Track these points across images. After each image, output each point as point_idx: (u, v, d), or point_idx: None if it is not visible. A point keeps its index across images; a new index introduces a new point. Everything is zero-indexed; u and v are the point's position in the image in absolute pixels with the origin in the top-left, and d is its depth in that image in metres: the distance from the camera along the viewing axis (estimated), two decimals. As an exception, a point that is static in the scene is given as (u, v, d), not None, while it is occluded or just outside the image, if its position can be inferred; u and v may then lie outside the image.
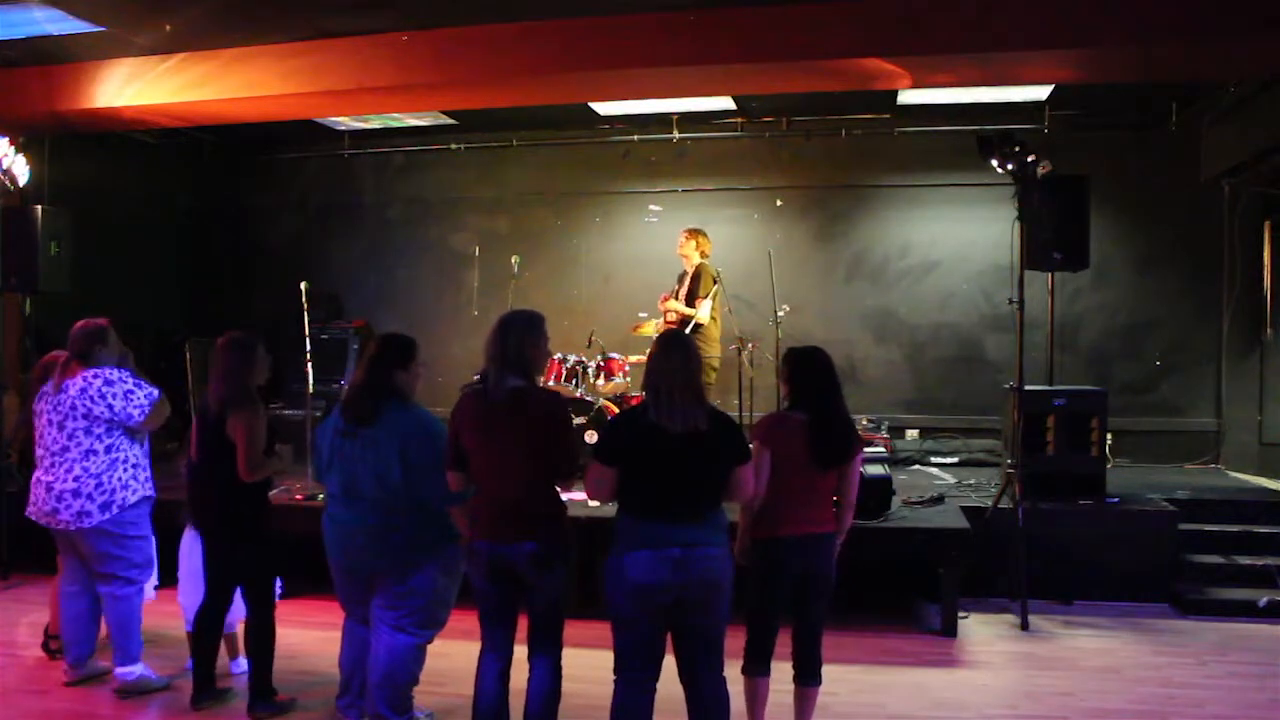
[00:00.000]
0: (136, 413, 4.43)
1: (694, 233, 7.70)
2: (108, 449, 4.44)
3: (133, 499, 4.49)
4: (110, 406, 4.41)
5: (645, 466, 3.36)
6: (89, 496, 4.40)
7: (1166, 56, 5.93)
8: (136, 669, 4.51)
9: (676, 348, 3.45)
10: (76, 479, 4.40)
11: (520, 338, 3.59)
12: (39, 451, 4.52)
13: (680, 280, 7.76)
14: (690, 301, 7.52)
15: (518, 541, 3.52)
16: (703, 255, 7.65)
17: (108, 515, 4.41)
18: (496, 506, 3.56)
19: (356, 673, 4.03)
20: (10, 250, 7.35)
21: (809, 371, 3.84)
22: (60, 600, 4.69)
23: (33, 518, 4.54)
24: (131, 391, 4.45)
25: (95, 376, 4.44)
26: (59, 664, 4.82)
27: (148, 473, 4.61)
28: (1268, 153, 7.11)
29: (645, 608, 3.36)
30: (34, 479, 4.54)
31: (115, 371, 4.49)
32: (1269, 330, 7.85)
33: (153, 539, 4.64)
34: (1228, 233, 8.18)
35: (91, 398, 4.40)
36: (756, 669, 3.80)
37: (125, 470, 4.49)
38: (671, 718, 3.63)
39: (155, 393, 4.51)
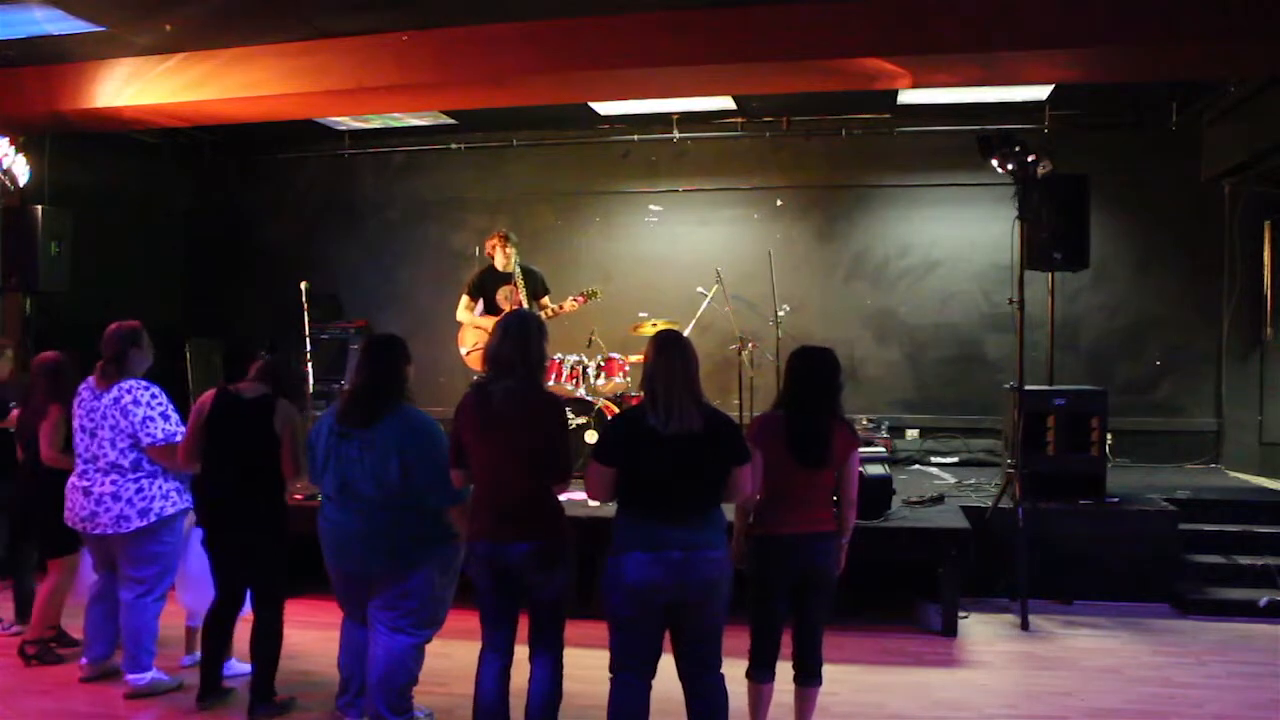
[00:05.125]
0: (147, 439, 4.44)
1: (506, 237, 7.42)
2: (133, 463, 4.45)
3: (171, 510, 4.51)
4: (131, 421, 4.42)
5: (644, 467, 3.37)
6: (128, 501, 4.42)
7: (1167, 56, 5.93)
8: (148, 675, 4.52)
9: (673, 348, 3.45)
10: (114, 483, 4.43)
11: (513, 339, 3.59)
12: (76, 458, 4.56)
13: (500, 283, 7.42)
14: (537, 300, 7.40)
15: (516, 541, 3.52)
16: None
17: (146, 522, 4.43)
18: (495, 506, 3.56)
19: (355, 673, 4.03)
20: (10, 250, 7.36)
21: (795, 370, 3.86)
22: (88, 601, 4.73)
23: (70, 523, 4.56)
24: (152, 419, 4.44)
25: (129, 391, 4.46)
26: (53, 667, 4.86)
27: (184, 487, 4.62)
28: (1268, 153, 7.11)
29: (643, 608, 3.36)
30: (69, 484, 4.56)
31: (148, 392, 4.49)
32: (1269, 330, 7.85)
33: (180, 551, 4.65)
34: (1228, 233, 8.18)
35: (123, 409, 4.43)
36: (760, 674, 3.79)
37: (168, 481, 4.53)
38: (671, 717, 3.63)
39: (177, 434, 4.47)
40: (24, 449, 5.00)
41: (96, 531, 4.46)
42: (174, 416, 4.53)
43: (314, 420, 4.28)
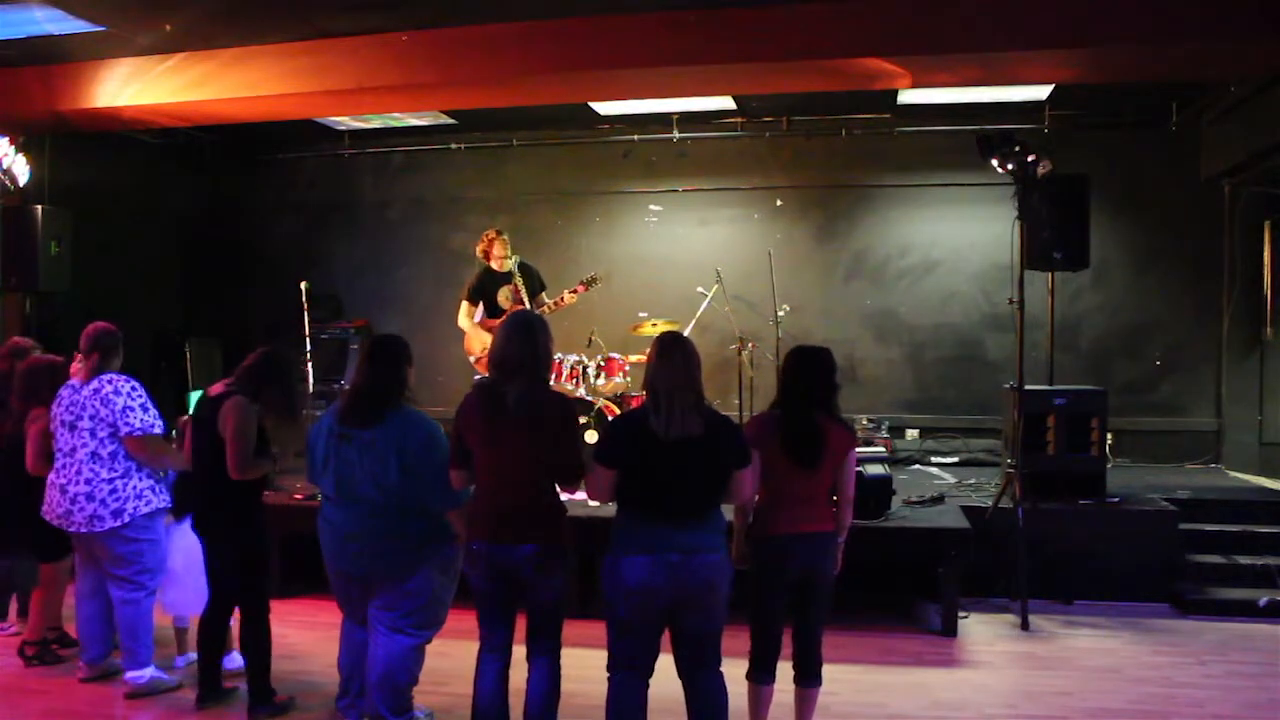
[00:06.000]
0: (125, 428, 4.43)
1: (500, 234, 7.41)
2: (112, 455, 4.45)
3: (145, 509, 4.51)
4: (112, 410, 4.42)
5: (644, 469, 3.37)
6: (102, 501, 4.41)
7: (1166, 56, 5.93)
8: (147, 672, 4.52)
9: (676, 351, 3.45)
10: (89, 481, 4.43)
11: (520, 341, 3.58)
12: (55, 453, 4.55)
13: (499, 283, 7.41)
14: (535, 296, 7.40)
15: (517, 543, 3.51)
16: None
17: (120, 521, 4.43)
18: (497, 508, 3.55)
19: (355, 673, 4.03)
20: (10, 250, 7.37)
21: (791, 370, 3.86)
22: (76, 601, 4.72)
23: (48, 519, 4.56)
24: (132, 409, 4.45)
25: (110, 382, 4.47)
26: (53, 667, 4.86)
27: (162, 486, 4.62)
28: (1268, 153, 7.11)
29: (642, 610, 3.36)
30: (48, 481, 4.56)
31: (128, 384, 4.50)
32: (1269, 330, 7.86)
33: (165, 546, 4.64)
34: (1228, 233, 8.18)
35: (103, 399, 4.43)
36: (761, 676, 3.79)
37: (142, 480, 4.52)
38: (671, 717, 3.63)
39: (155, 426, 4.48)
40: (7, 449, 4.93)
41: (72, 529, 4.47)
42: (152, 409, 4.53)
43: (314, 420, 4.27)
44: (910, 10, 5.85)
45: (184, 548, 4.64)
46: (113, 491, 4.43)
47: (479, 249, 7.47)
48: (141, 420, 4.46)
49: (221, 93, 6.79)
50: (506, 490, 3.54)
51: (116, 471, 4.46)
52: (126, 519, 4.44)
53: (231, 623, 4.60)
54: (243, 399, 4.18)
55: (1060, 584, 6.03)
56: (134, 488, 4.49)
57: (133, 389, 4.51)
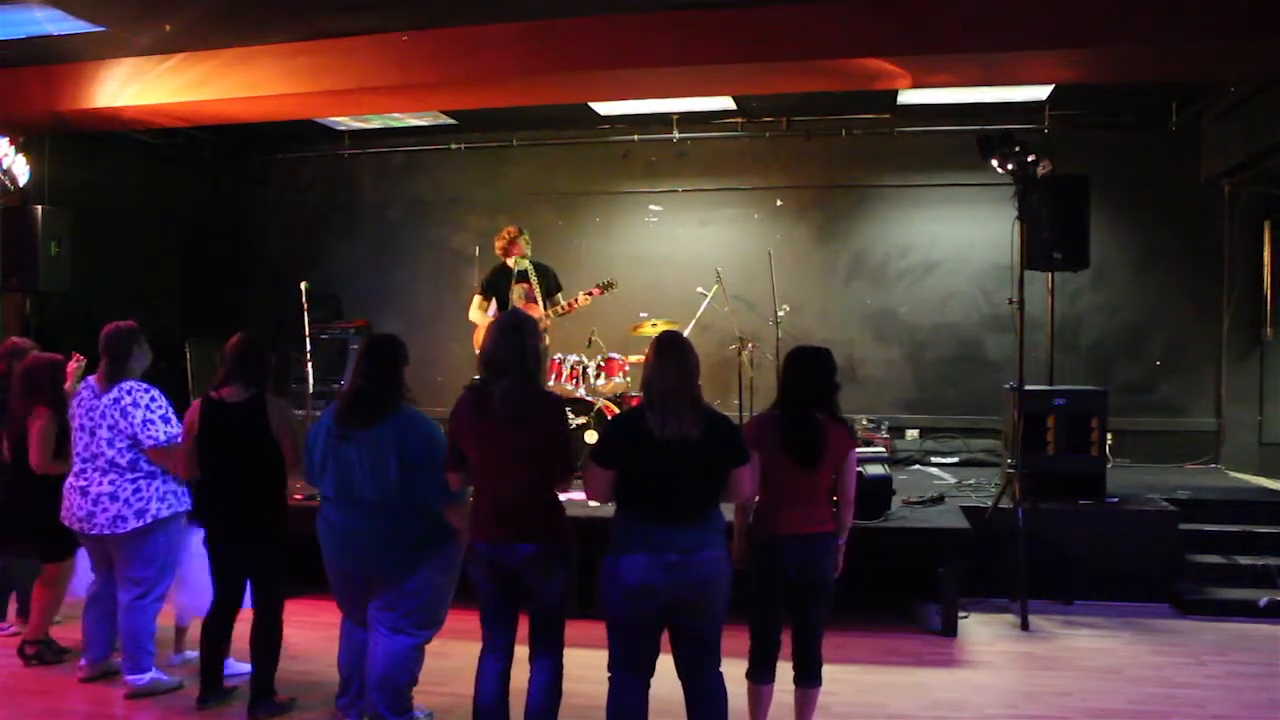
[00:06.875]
0: (148, 440, 4.43)
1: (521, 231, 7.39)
2: (131, 462, 4.45)
3: (168, 511, 4.51)
4: (131, 422, 4.41)
5: (642, 469, 3.37)
6: (125, 501, 4.41)
7: (1167, 56, 5.93)
8: (148, 675, 4.52)
9: (673, 353, 3.44)
10: (113, 483, 4.42)
11: (508, 340, 3.58)
12: (74, 457, 4.55)
13: (516, 280, 7.35)
14: (550, 296, 7.37)
15: (517, 543, 3.52)
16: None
17: (143, 522, 4.42)
18: (496, 508, 3.56)
19: (355, 673, 4.03)
20: (10, 250, 7.37)
21: (790, 370, 3.86)
22: (86, 602, 4.72)
23: (67, 523, 4.55)
24: (152, 421, 4.44)
25: (129, 393, 4.45)
26: (53, 667, 4.86)
27: (184, 489, 4.60)
28: (1268, 153, 7.11)
29: (641, 610, 3.37)
30: (67, 484, 4.56)
31: (147, 394, 4.48)
32: (1269, 330, 7.86)
33: (180, 550, 4.63)
34: (1228, 233, 8.19)
35: (122, 410, 4.42)
36: (760, 675, 3.79)
37: (166, 483, 4.52)
38: (671, 718, 3.63)
39: (178, 437, 4.46)
40: (10, 450, 4.91)
41: (94, 532, 4.45)
42: (173, 419, 4.52)
43: (314, 420, 4.27)
44: (910, 10, 5.84)
45: (195, 551, 4.63)
46: (136, 491, 4.43)
47: (498, 245, 7.44)
48: (165, 433, 4.45)
49: (221, 93, 6.79)
50: (503, 490, 3.55)
51: (140, 473, 4.46)
52: (149, 520, 4.43)
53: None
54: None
55: (1060, 584, 6.02)
56: (157, 489, 4.49)
57: (152, 399, 4.48)
